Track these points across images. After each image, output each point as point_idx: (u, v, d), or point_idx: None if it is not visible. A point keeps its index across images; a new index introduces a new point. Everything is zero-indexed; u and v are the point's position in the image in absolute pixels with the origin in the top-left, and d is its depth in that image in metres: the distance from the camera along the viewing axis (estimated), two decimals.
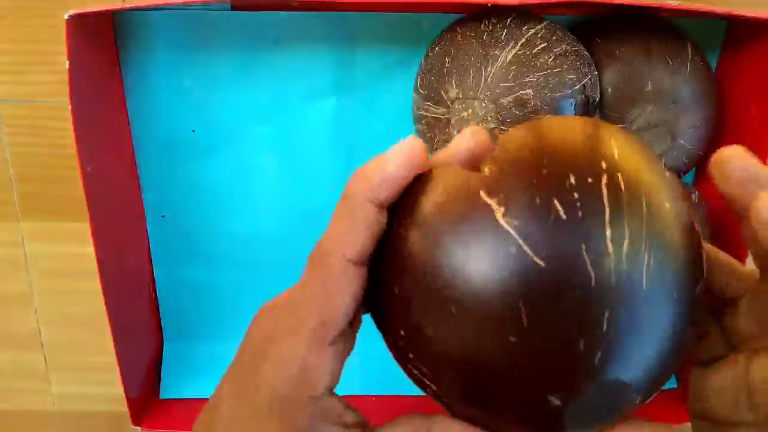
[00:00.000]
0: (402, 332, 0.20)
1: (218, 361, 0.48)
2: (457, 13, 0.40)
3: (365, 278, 0.21)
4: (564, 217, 0.18)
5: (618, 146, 0.19)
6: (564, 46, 0.37)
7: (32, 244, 0.48)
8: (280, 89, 0.43)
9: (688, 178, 0.45)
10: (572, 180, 0.18)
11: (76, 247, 0.47)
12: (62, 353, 0.51)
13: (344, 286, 0.20)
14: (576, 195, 0.18)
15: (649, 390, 0.19)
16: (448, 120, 0.38)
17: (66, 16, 0.34)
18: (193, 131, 0.44)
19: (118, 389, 0.41)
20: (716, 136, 0.42)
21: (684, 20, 0.41)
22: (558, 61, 0.36)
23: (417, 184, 0.21)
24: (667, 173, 0.20)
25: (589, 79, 0.37)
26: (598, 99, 0.38)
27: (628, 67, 0.39)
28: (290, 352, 0.20)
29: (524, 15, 0.37)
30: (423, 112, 0.40)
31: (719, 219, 0.43)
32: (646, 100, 0.39)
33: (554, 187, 0.18)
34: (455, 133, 0.38)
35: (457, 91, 0.37)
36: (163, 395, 0.47)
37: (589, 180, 0.18)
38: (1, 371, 0.51)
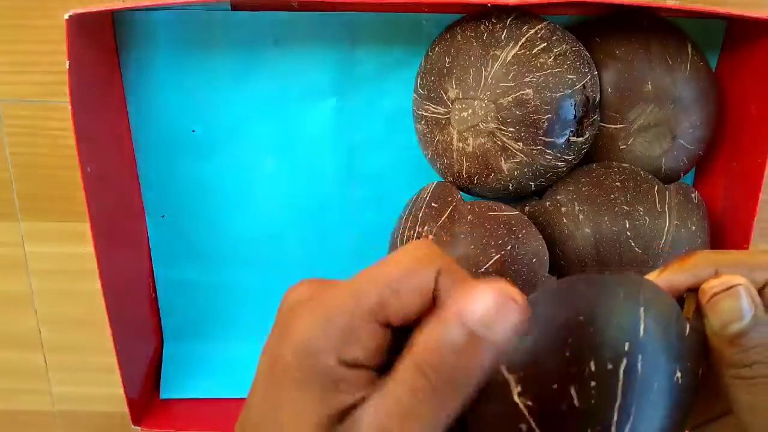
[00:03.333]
0: None
1: (218, 361, 0.48)
2: (457, 13, 0.40)
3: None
4: (577, 404, 0.18)
5: (646, 319, 0.19)
6: (564, 46, 0.37)
7: (32, 244, 0.48)
8: (280, 89, 0.43)
9: (688, 178, 0.45)
10: (592, 367, 0.18)
11: (76, 247, 0.47)
12: (62, 353, 0.51)
13: (414, 283, 0.19)
14: (593, 383, 0.18)
15: None
16: (448, 120, 0.38)
17: (66, 16, 0.34)
18: (193, 131, 0.44)
19: (118, 389, 0.41)
20: (716, 136, 0.42)
21: (684, 20, 0.41)
22: (558, 61, 0.36)
23: None
24: (687, 332, 0.20)
25: (589, 79, 0.37)
26: (598, 99, 0.38)
27: (628, 67, 0.39)
28: (337, 311, 0.19)
29: (524, 15, 0.37)
30: (423, 112, 0.40)
31: (719, 219, 0.43)
32: (646, 100, 0.39)
33: (573, 375, 0.18)
34: (455, 133, 0.38)
35: (457, 91, 0.37)
36: (163, 395, 0.47)
37: (609, 367, 0.18)
38: (1, 371, 0.51)
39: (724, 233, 0.42)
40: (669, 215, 0.39)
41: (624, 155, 0.40)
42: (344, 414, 0.19)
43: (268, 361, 0.20)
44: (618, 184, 0.39)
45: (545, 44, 0.36)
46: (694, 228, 0.39)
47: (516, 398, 0.18)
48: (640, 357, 0.18)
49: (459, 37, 0.38)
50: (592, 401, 0.18)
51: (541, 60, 0.36)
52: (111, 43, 0.41)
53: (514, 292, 0.18)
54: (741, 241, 0.40)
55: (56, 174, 0.45)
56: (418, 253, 0.20)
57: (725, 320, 0.19)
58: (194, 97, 0.43)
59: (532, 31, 0.37)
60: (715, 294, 0.19)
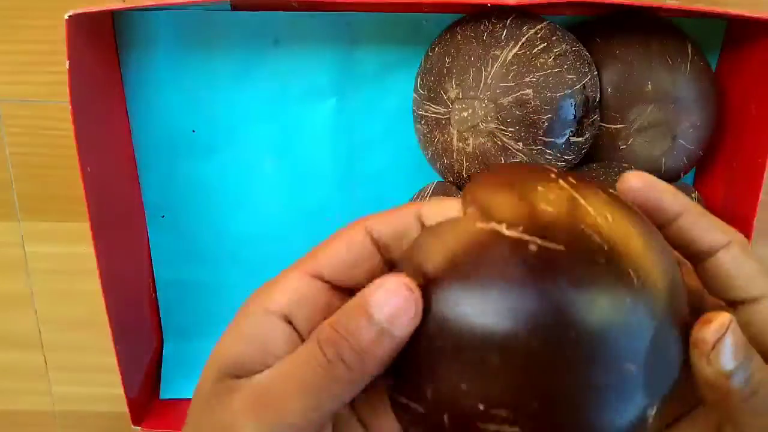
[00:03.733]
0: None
1: None
2: (457, 13, 0.40)
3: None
4: None
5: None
6: (564, 46, 0.37)
7: (32, 244, 0.48)
8: (280, 89, 0.43)
9: (688, 178, 0.45)
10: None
11: (76, 247, 0.47)
12: (62, 353, 0.51)
13: (356, 244, 0.21)
14: None
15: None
16: (448, 120, 0.38)
17: (66, 16, 0.33)
18: (193, 131, 0.44)
19: (118, 389, 0.41)
20: (716, 136, 0.42)
21: (684, 20, 0.41)
22: (558, 61, 0.36)
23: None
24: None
25: (589, 79, 0.37)
26: (598, 99, 0.38)
27: (628, 67, 0.39)
28: (272, 280, 0.22)
29: (524, 15, 0.37)
30: (423, 112, 0.40)
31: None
32: (646, 100, 0.39)
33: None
34: (455, 133, 0.38)
35: (457, 91, 0.37)
36: (163, 395, 0.47)
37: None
38: (1, 371, 0.51)
39: None
40: None
41: (624, 155, 0.40)
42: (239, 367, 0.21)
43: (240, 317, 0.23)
44: None
45: (545, 44, 0.36)
46: None
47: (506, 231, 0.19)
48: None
49: (459, 37, 0.38)
50: None
51: (541, 60, 0.36)
52: (111, 43, 0.41)
53: (413, 284, 0.19)
54: None
55: (56, 174, 0.45)
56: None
57: (724, 362, 0.19)
58: (194, 97, 0.43)
59: (532, 31, 0.37)
60: (716, 341, 0.19)
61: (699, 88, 0.39)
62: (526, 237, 0.18)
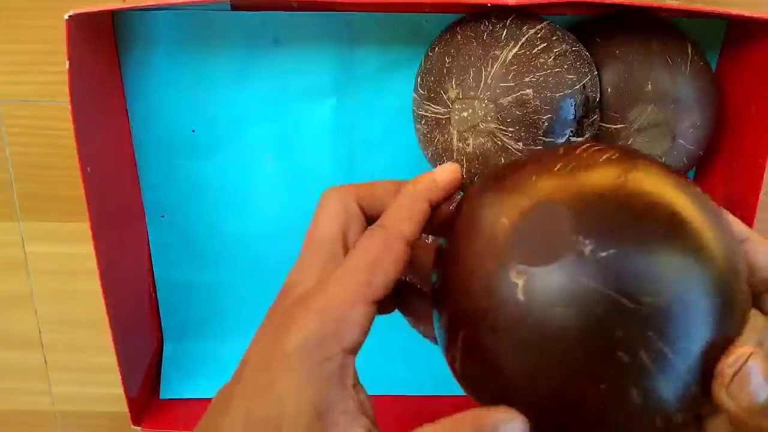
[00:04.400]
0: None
1: (218, 361, 0.48)
2: (457, 13, 0.40)
3: (408, 260, 0.24)
4: None
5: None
6: (564, 46, 0.37)
7: (32, 244, 0.48)
8: (280, 89, 0.43)
9: (688, 178, 0.45)
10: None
11: (76, 247, 0.47)
12: (62, 353, 0.51)
13: (396, 255, 0.23)
14: None
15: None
16: (448, 120, 0.38)
17: (66, 16, 0.33)
18: (193, 131, 0.44)
19: (118, 389, 0.41)
20: (716, 136, 0.42)
21: (684, 20, 0.41)
22: (558, 61, 0.36)
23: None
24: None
25: (589, 79, 0.37)
26: (598, 99, 0.38)
27: (628, 67, 0.39)
28: (337, 301, 0.22)
29: (524, 15, 0.37)
30: (423, 112, 0.40)
31: None
32: (646, 100, 0.39)
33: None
34: (455, 133, 0.38)
35: (457, 91, 0.37)
36: (163, 395, 0.47)
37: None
38: (1, 371, 0.51)
39: None
40: None
41: None
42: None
43: (264, 348, 0.22)
44: None
45: (545, 44, 0.36)
46: None
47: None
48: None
49: (459, 37, 0.38)
50: None
51: (541, 60, 0.36)
52: (111, 43, 0.41)
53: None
54: None
55: (56, 174, 0.45)
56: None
57: (752, 396, 0.19)
58: (194, 97, 0.43)
59: (532, 31, 0.37)
60: (735, 374, 0.19)
61: (699, 88, 0.39)
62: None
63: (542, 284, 0.19)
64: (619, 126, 0.39)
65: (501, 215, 0.21)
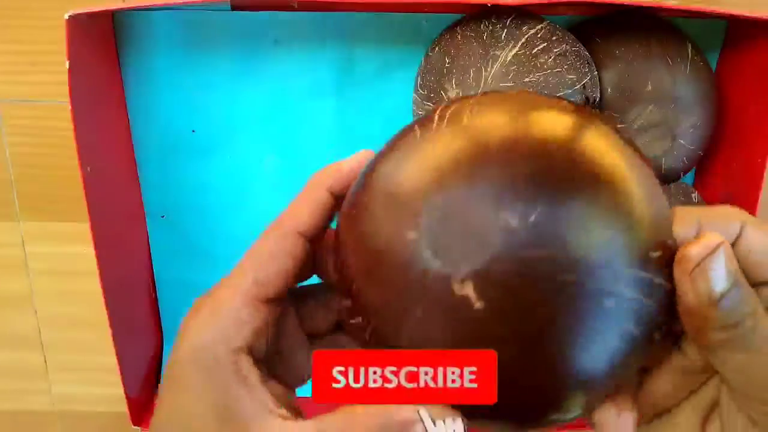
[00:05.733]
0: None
1: None
2: (457, 13, 0.40)
3: (309, 253, 0.23)
4: None
5: None
6: (564, 46, 0.37)
7: (32, 244, 0.48)
8: (280, 89, 0.43)
9: (688, 178, 0.45)
10: None
11: (76, 247, 0.47)
12: (62, 353, 0.51)
13: (287, 249, 0.23)
14: None
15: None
16: None
17: (66, 16, 0.33)
18: (193, 131, 0.44)
19: (118, 389, 0.41)
20: (716, 136, 0.42)
21: (684, 20, 0.41)
22: (558, 61, 0.36)
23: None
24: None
25: (589, 79, 0.37)
26: (598, 99, 0.38)
27: (628, 67, 0.39)
28: (223, 304, 0.22)
29: (524, 15, 0.37)
30: (423, 112, 0.40)
31: None
32: (646, 100, 0.39)
33: None
34: None
35: (457, 91, 0.37)
36: None
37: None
38: (1, 371, 0.51)
39: None
40: None
41: None
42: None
43: (168, 368, 0.22)
44: None
45: (545, 44, 0.36)
46: None
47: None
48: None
49: (459, 37, 0.38)
50: None
51: (541, 60, 0.36)
52: (111, 43, 0.41)
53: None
54: None
55: (56, 174, 0.45)
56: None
57: (712, 284, 0.18)
58: (194, 97, 0.43)
59: (532, 31, 0.37)
60: (702, 259, 0.18)
61: (699, 88, 0.39)
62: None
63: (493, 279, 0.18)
64: (619, 126, 0.39)
65: (404, 228, 0.19)
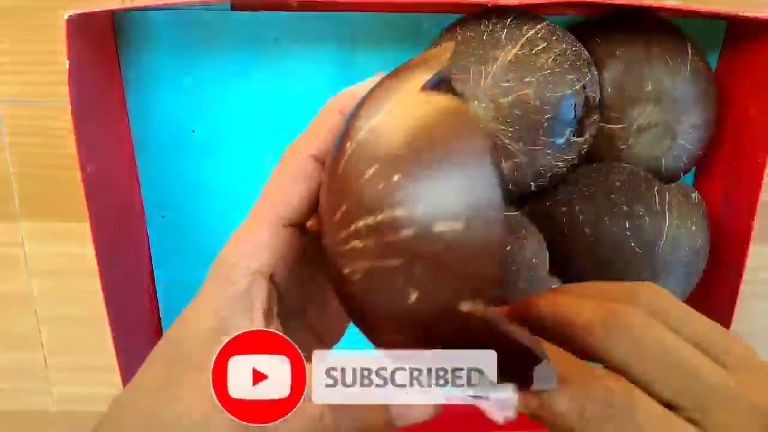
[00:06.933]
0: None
1: None
2: (457, 13, 0.40)
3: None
4: None
5: None
6: (564, 46, 0.37)
7: (32, 244, 0.48)
8: (280, 89, 0.43)
9: (688, 178, 0.45)
10: None
11: (76, 247, 0.47)
12: (62, 353, 0.51)
13: (301, 175, 0.23)
14: None
15: None
16: None
17: (66, 16, 0.33)
18: (193, 131, 0.44)
19: (118, 389, 0.41)
20: (716, 136, 0.42)
21: (684, 20, 0.41)
22: (558, 61, 0.36)
23: None
24: None
25: (589, 79, 0.37)
26: (598, 99, 0.38)
27: (628, 67, 0.39)
28: (244, 226, 0.23)
29: (524, 15, 0.37)
30: None
31: (719, 219, 0.43)
32: (646, 100, 0.39)
33: None
34: None
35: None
36: None
37: None
38: (1, 371, 0.51)
39: (724, 233, 0.42)
40: (669, 215, 0.39)
41: (624, 155, 0.40)
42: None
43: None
44: (618, 184, 0.39)
45: (545, 44, 0.36)
46: (694, 228, 0.40)
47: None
48: None
49: (459, 37, 0.38)
50: None
51: (541, 60, 0.36)
52: (111, 43, 0.41)
53: None
54: (740, 241, 0.40)
55: (56, 174, 0.45)
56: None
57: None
58: (194, 97, 0.43)
59: (532, 31, 0.37)
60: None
61: (699, 88, 0.39)
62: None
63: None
64: (619, 126, 0.39)
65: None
